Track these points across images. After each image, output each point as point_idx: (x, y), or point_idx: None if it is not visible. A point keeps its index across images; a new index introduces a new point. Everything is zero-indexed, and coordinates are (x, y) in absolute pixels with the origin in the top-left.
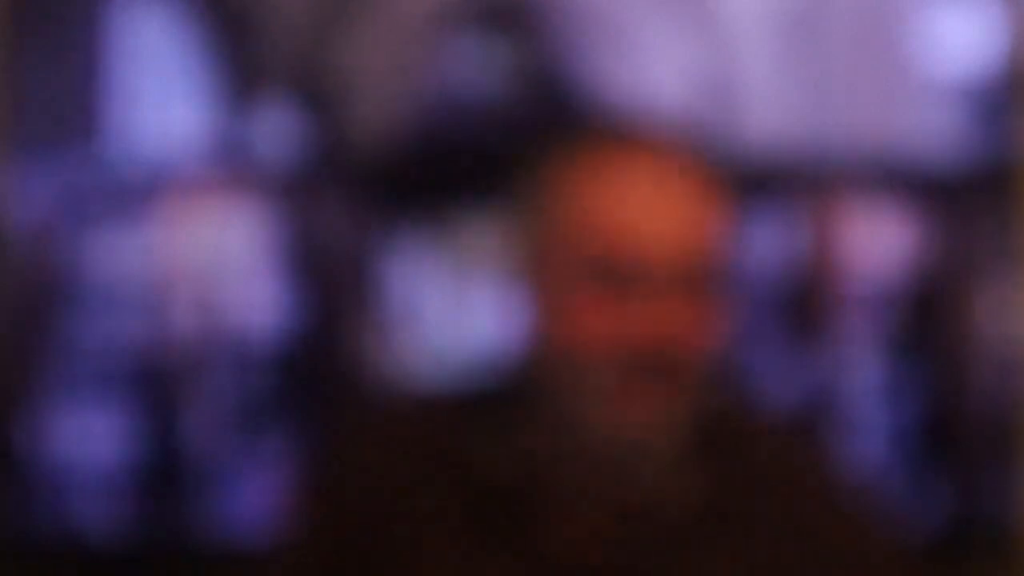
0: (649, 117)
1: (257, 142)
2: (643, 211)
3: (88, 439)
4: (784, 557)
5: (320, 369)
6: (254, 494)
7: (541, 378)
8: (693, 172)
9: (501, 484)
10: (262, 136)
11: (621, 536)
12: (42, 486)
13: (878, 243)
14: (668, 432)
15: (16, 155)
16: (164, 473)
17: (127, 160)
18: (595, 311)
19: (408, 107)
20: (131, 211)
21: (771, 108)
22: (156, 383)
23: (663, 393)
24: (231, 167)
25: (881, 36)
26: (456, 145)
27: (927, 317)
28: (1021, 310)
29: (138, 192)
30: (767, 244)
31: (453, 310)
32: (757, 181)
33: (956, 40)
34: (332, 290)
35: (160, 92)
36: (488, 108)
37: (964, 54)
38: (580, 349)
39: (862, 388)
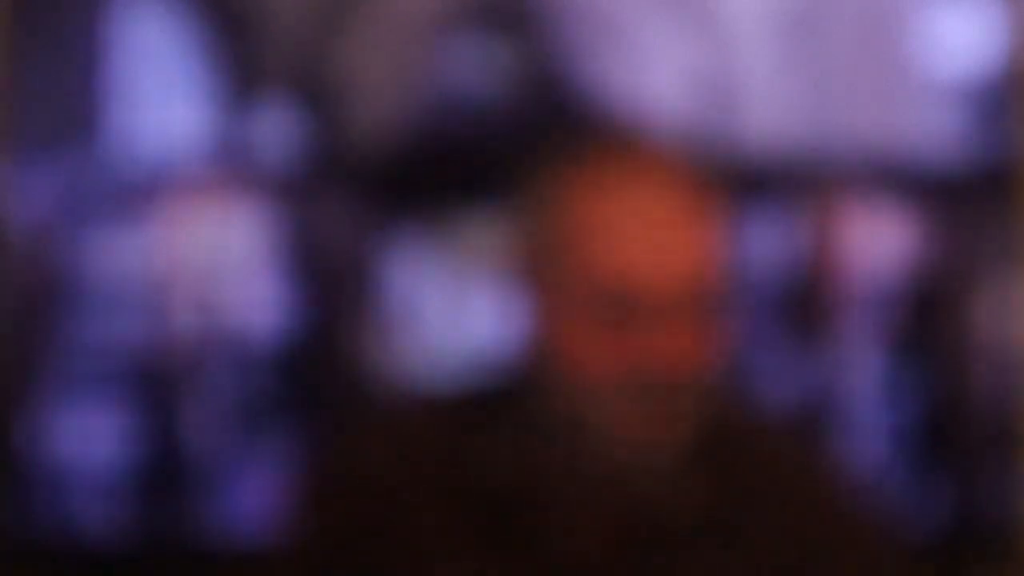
0: (649, 121)
1: (257, 142)
2: (644, 235)
3: (88, 439)
4: (785, 559)
5: (320, 369)
6: (254, 494)
7: (541, 383)
8: (694, 184)
9: (500, 485)
10: (262, 136)
11: (621, 541)
12: (42, 486)
13: (878, 243)
14: (669, 446)
15: (16, 155)
16: (164, 473)
17: (127, 160)
18: (595, 333)
19: (408, 107)
20: (131, 211)
21: (771, 108)
22: (156, 383)
23: (664, 414)
24: (231, 167)
25: (881, 36)
26: (456, 145)
27: (927, 317)
28: (1021, 310)
29: (138, 192)
30: (767, 244)
31: (453, 310)
32: (757, 181)
33: (956, 40)
34: (332, 290)
35: (160, 92)
36: (488, 108)
37: (964, 54)
38: (579, 368)
39: (862, 388)
